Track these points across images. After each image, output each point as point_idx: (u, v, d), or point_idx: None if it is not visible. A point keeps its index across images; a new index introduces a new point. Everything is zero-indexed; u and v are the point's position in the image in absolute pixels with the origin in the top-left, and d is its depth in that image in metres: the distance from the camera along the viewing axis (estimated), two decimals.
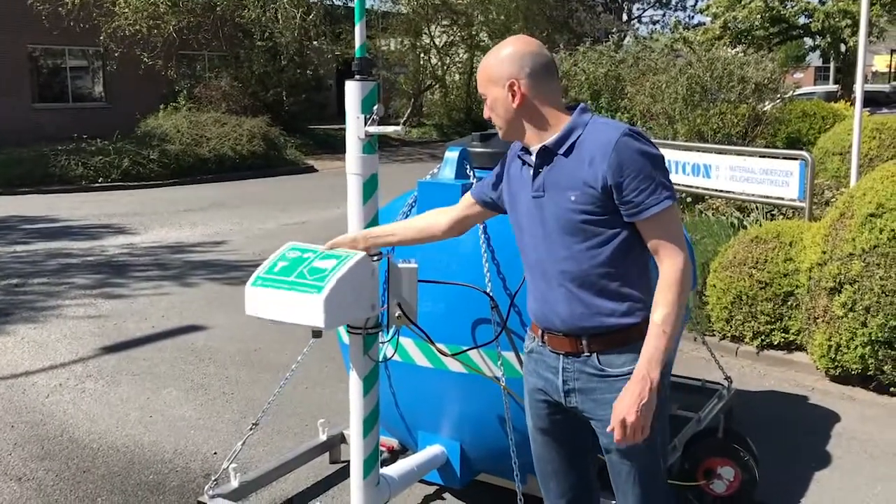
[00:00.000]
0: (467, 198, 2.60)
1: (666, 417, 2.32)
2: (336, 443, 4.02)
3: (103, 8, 20.10)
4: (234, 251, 9.49)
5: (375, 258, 2.71)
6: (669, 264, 2.18)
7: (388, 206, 3.49)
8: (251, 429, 3.54)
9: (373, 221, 2.81)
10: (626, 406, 2.14)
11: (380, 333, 2.82)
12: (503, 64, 2.25)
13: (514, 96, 2.24)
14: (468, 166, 3.33)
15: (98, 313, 6.86)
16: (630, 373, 2.20)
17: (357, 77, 2.68)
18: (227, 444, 4.25)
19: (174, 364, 5.62)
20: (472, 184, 3.24)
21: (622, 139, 2.14)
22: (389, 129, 2.72)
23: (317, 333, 2.60)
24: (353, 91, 2.68)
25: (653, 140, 2.27)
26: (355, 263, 2.54)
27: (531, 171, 2.29)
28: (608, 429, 2.19)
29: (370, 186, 2.77)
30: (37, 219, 11.79)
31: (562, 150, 2.22)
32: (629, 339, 2.24)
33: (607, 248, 2.20)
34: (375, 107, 2.67)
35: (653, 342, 2.16)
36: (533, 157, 2.29)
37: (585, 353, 2.28)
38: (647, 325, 2.22)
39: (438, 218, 2.63)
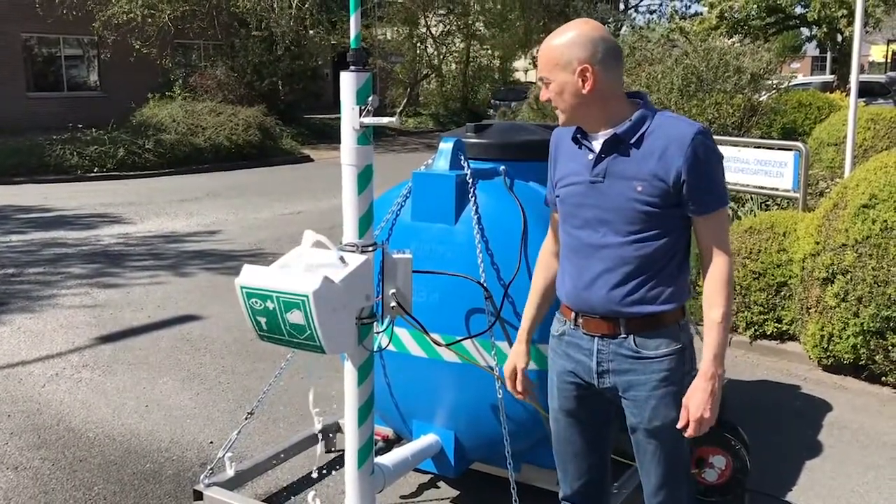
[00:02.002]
0: (554, 217, 2.54)
1: None
2: (331, 432, 4.05)
3: None
4: (229, 241, 9.50)
5: (371, 248, 2.73)
6: (720, 262, 2.26)
7: (382, 196, 3.50)
8: (246, 418, 3.57)
9: (367, 212, 2.82)
10: (699, 404, 2.23)
11: (375, 323, 2.84)
12: (573, 48, 2.20)
13: (584, 82, 2.21)
14: (462, 157, 3.34)
15: (94, 303, 6.87)
16: (664, 355, 2.30)
17: (352, 68, 2.69)
18: (224, 434, 4.27)
19: (170, 353, 5.63)
20: (466, 174, 3.26)
21: (698, 136, 2.18)
22: (384, 121, 2.73)
23: None
24: (347, 82, 2.68)
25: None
26: (316, 305, 2.47)
27: (591, 156, 2.29)
28: (679, 425, 2.27)
29: (365, 177, 2.78)
30: (32, 208, 11.77)
31: (633, 140, 2.23)
32: (664, 322, 2.31)
33: (659, 240, 2.25)
34: (370, 98, 2.67)
35: (715, 339, 2.24)
36: (597, 143, 2.29)
37: (622, 335, 2.32)
38: (681, 311, 2.33)
39: (553, 258, 2.54)
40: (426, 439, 3.34)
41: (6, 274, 7.80)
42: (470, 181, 3.25)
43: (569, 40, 2.21)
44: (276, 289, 2.54)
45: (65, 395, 4.87)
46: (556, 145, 2.46)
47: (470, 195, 3.22)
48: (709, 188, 2.21)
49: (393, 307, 2.81)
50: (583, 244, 2.33)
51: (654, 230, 2.24)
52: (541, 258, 2.63)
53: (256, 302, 2.60)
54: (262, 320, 2.62)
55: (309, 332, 2.53)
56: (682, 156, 2.17)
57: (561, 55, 2.22)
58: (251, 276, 2.62)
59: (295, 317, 2.53)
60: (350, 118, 2.70)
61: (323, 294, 2.50)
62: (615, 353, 2.34)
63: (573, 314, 2.41)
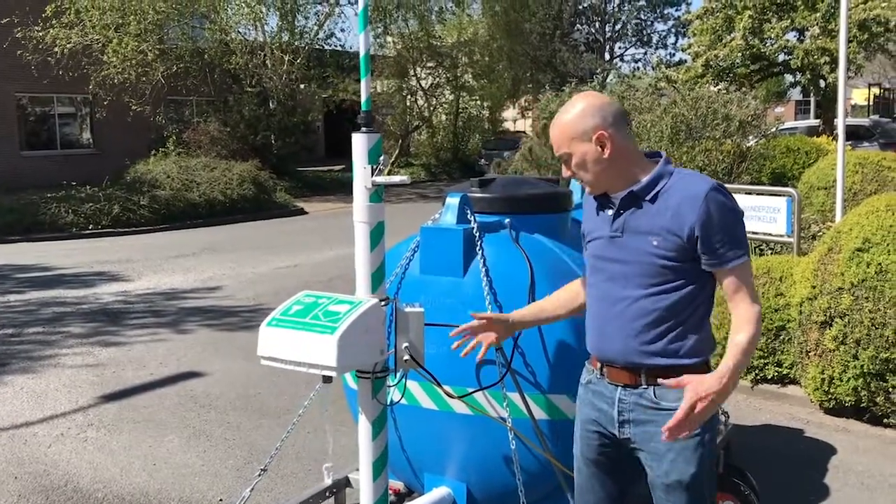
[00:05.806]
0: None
1: (713, 466, 2.38)
2: (341, 487, 4.04)
3: (92, 57, 20.33)
4: (227, 296, 9.52)
5: (383, 303, 2.78)
6: (746, 307, 2.27)
7: (390, 251, 3.55)
8: (259, 475, 3.56)
9: (380, 267, 2.88)
10: (705, 388, 2.14)
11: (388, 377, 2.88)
12: (585, 119, 2.31)
13: (603, 147, 2.31)
14: (469, 211, 3.41)
15: (96, 361, 6.87)
16: None
17: (363, 129, 2.78)
18: (232, 491, 4.27)
19: (175, 411, 5.63)
20: (473, 228, 3.33)
21: (711, 193, 2.25)
22: (395, 179, 2.81)
23: (327, 378, 2.66)
24: (359, 142, 2.77)
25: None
26: (368, 308, 2.61)
27: (611, 212, 2.38)
28: (664, 428, 2.18)
29: (377, 234, 2.85)
30: (29, 267, 11.78)
31: (648, 197, 2.32)
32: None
33: (678, 292, 2.30)
34: (381, 157, 2.76)
35: (734, 359, 2.19)
36: (616, 200, 2.37)
37: (643, 386, 2.36)
38: (705, 366, 2.34)
39: (579, 290, 2.68)
40: (438, 492, 3.35)
41: (5, 334, 7.79)
42: (477, 234, 3.32)
43: (579, 113, 2.32)
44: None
45: (71, 455, 4.86)
46: (587, 200, 2.55)
47: (477, 248, 3.29)
48: (724, 242, 2.25)
49: (406, 360, 2.86)
50: (606, 296, 2.40)
51: (673, 283, 2.30)
52: (568, 285, 2.75)
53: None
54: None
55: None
56: (696, 212, 2.23)
57: (575, 128, 2.32)
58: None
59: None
60: (362, 177, 2.78)
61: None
62: (635, 404, 2.38)
63: (599, 364, 2.47)
